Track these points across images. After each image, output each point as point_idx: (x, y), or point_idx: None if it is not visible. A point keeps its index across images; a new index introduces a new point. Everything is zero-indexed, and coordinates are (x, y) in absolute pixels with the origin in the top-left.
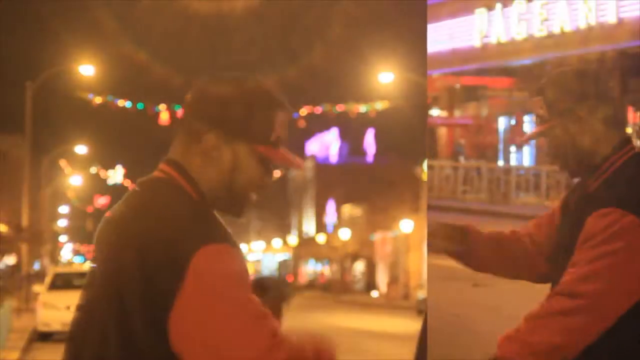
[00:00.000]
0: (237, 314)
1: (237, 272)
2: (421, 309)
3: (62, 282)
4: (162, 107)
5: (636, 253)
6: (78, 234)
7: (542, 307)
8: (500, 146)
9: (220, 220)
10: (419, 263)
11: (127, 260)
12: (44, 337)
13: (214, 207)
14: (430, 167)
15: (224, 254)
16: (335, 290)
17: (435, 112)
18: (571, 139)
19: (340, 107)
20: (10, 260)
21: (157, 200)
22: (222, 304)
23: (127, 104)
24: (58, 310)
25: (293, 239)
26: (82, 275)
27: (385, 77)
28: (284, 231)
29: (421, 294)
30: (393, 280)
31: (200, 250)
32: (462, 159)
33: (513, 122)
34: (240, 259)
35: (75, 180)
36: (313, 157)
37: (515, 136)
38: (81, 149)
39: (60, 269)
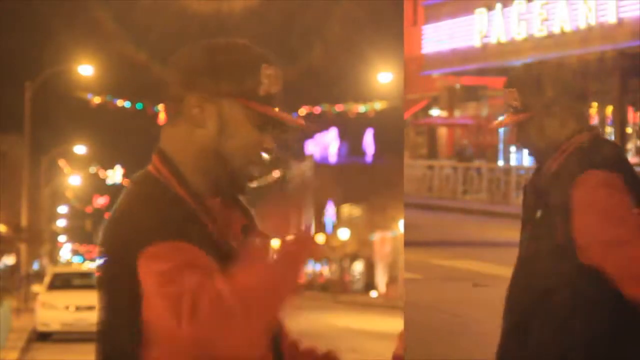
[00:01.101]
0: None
1: (174, 267)
2: None
3: (61, 282)
4: (161, 107)
5: (622, 194)
6: (77, 234)
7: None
8: (500, 146)
9: (200, 219)
10: None
11: (101, 261)
12: (43, 337)
13: (212, 192)
14: (430, 167)
15: (170, 250)
16: (334, 290)
17: (435, 112)
18: (543, 131)
19: (339, 107)
20: (9, 260)
21: (135, 201)
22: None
23: (126, 103)
24: (57, 310)
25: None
26: (81, 275)
27: (384, 77)
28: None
29: None
30: (392, 280)
31: (148, 249)
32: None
33: None
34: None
35: (74, 180)
36: (312, 156)
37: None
38: (80, 149)
39: (59, 269)
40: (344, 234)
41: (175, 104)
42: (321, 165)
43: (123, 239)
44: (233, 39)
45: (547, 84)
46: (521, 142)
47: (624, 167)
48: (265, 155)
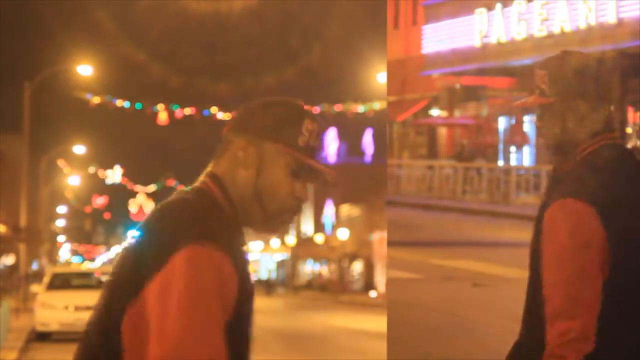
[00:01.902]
0: (193, 319)
1: (211, 280)
2: None
3: (61, 282)
4: (161, 107)
5: (591, 238)
6: (76, 234)
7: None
8: (500, 146)
9: (237, 232)
10: None
11: (126, 254)
12: (42, 337)
13: (247, 224)
14: (430, 167)
15: (208, 257)
16: (333, 291)
17: (435, 112)
18: (563, 123)
19: (338, 107)
20: (8, 260)
21: (180, 203)
22: (182, 306)
23: (126, 103)
24: (56, 310)
25: (291, 239)
26: (80, 275)
27: (383, 77)
28: (281, 231)
29: None
30: None
31: (187, 247)
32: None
33: (513, 122)
34: (225, 268)
35: (73, 180)
36: None
37: (516, 136)
38: (79, 149)
39: (59, 269)
40: (343, 234)
41: (226, 143)
42: None
43: (167, 240)
44: (288, 98)
45: (577, 75)
46: (540, 132)
47: (616, 194)
48: (300, 204)
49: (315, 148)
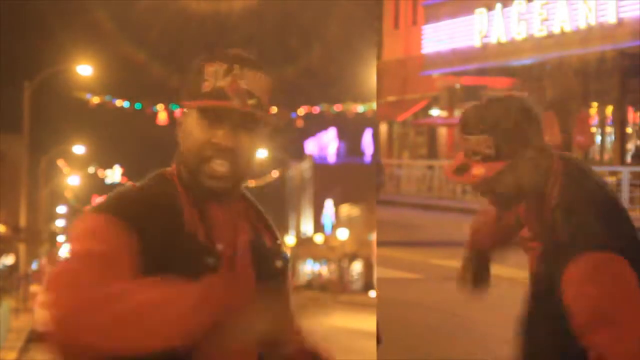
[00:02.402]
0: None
1: (89, 238)
2: None
3: None
4: (160, 107)
5: (627, 285)
6: None
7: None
8: None
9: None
10: None
11: None
12: (42, 337)
13: (203, 193)
14: (430, 167)
15: (89, 218)
16: (333, 291)
17: (435, 112)
18: (519, 177)
19: (338, 107)
20: (8, 260)
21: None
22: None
23: (125, 103)
24: None
25: (291, 239)
26: None
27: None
28: (281, 231)
29: None
30: None
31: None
32: None
33: None
34: (109, 227)
35: (73, 180)
36: (311, 156)
37: None
38: (79, 149)
39: None
40: (342, 234)
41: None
42: (320, 165)
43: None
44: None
45: (522, 125)
46: (494, 191)
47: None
48: (216, 149)
49: (224, 88)
